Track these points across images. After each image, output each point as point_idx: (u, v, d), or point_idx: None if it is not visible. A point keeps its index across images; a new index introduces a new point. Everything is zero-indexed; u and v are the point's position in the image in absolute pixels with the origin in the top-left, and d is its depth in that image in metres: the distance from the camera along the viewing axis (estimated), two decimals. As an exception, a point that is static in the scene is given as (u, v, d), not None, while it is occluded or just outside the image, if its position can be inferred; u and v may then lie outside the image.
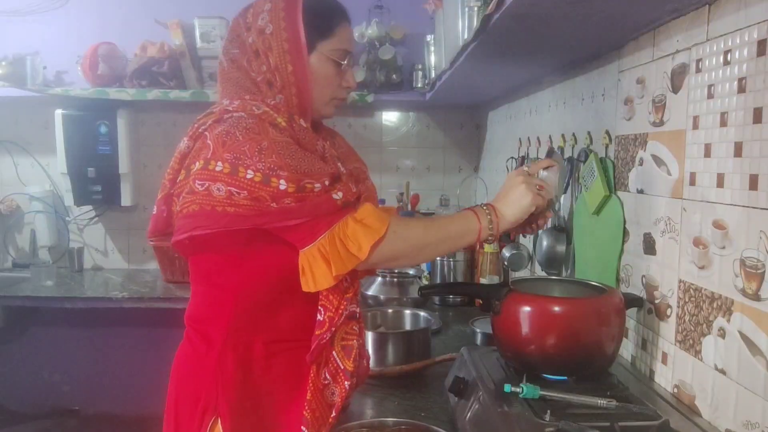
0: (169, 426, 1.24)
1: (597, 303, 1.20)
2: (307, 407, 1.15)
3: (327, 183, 1.11)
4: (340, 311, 1.16)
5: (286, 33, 1.17)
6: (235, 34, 1.21)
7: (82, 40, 3.14)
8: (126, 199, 3.28)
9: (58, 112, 3.17)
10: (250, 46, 1.19)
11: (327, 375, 1.18)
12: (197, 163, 1.12)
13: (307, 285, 1.11)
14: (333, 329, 1.16)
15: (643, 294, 1.34)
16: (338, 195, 1.10)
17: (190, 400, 1.20)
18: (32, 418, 3.41)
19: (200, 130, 1.17)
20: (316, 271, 1.10)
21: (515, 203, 1.21)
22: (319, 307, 1.15)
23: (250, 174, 1.07)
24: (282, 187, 1.07)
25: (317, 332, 1.15)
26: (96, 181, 3.22)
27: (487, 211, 1.21)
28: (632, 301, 1.30)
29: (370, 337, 1.57)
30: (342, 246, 1.10)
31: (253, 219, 1.09)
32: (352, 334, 1.20)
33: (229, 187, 1.07)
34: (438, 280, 2.44)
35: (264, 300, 1.18)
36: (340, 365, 1.18)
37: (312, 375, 1.17)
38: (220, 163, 1.08)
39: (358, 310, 1.22)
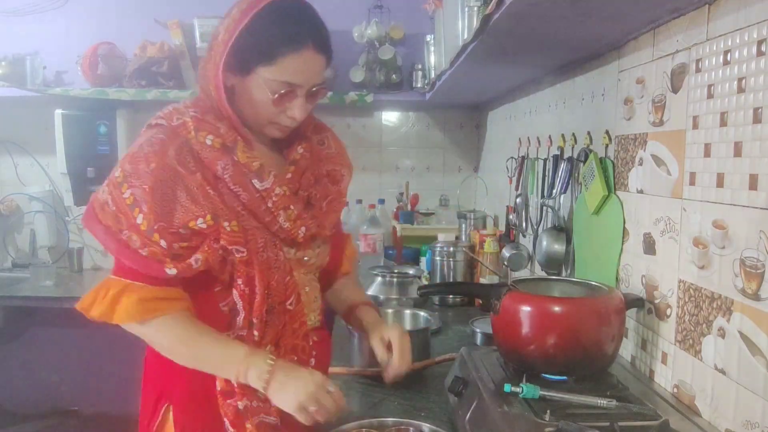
0: (140, 415, 1.29)
1: (597, 303, 1.20)
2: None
3: (185, 233, 1.09)
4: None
5: (222, 46, 1.13)
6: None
7: (82, 40, 3.14)
8: (125, 199, 3.27)
9: (58, 112, 3.16)
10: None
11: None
12: None
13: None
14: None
15: (642, 294, 1.34)
16: (171, 270, 1.09)
17: (149, 388, 1.25)
18: (32, 419, 3.41)
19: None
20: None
21: (282, 396, 1.09)
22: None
23: (127, 194, 1.09)
24: (138, 221, 1.07)
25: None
26: (95, 181, 3.21)
27: (264, 368, 1.10)
28: (633, 301, 1.30)
29: (365, 337, 1.57)
30: (108, 297, 1.11)
31: (102, 236, 1.11)
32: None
33: (108, 196, 1.10)
34: (438, 280, 2.44)
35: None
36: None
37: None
38: (119, 170, 1.11)
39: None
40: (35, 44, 3.21)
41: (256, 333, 1.16)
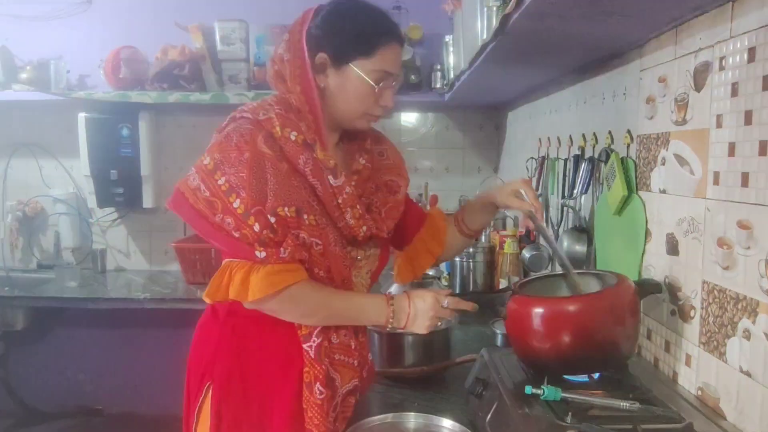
0: (185, 394, 1.35)
1: (603, 297, 1.18)
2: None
3: (273, 221, 1.15)
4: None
5: (295, 59, 1.24)
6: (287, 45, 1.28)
7: (105, 44, 3.19)
8: (148, 201, 3.32)
9: (81, 115, 3.22)
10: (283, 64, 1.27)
11: (321, 388, 1.24)
12: None
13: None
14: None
15: (666, 295, 1.33)
16: (261, 254, 1.16)
17: (196, 366, 1.31)
18: (57, 418, 3.47)
19: (222, 125, 1.25)
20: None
21: (416, 324, 1.27)
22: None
23: (221, 180, 1.16)
24: (235, 205, 1.15)
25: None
26: (118, 184, 3.26)
27: (400, 307, 1.26)
28: (649, 287, 1.28)
29: (385, 339, 1.58)
30: (226, 281, 1.18)
31: (194, 219, 1.19)
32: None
33: (200, 182, 1.18)
34: (458, 280, 2.43)
35: None
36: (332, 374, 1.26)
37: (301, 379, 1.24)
38: (208, 158, 1.19)
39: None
40: (59, 49, 3.26)
41: None
